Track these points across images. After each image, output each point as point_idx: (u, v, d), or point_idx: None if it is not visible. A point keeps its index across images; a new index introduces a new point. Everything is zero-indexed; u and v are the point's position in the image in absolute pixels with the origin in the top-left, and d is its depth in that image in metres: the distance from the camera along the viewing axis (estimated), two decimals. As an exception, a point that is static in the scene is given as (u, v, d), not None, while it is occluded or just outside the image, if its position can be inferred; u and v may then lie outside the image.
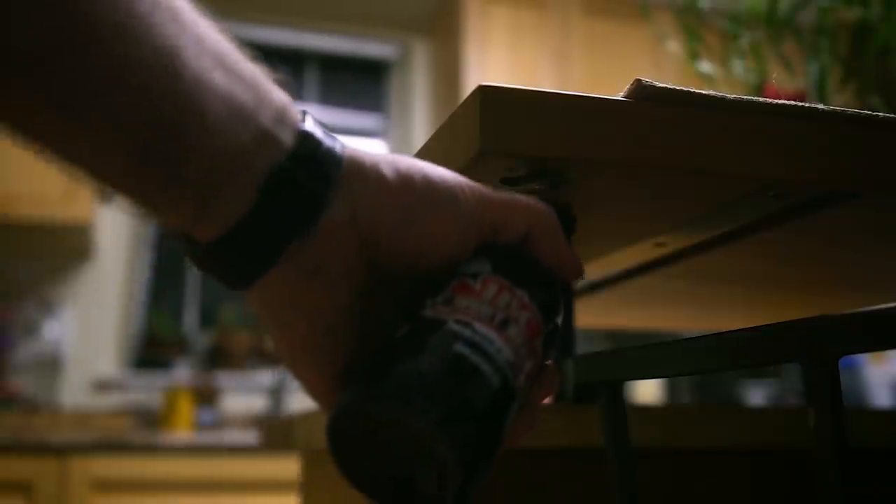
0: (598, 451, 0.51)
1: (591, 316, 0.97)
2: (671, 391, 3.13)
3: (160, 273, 3.11)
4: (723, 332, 0.42)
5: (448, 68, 3.15)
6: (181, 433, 2.59)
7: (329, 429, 0.33)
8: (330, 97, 3.45)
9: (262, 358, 3.04)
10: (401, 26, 3.43)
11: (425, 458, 0.32)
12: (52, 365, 2.85)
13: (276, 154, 0.34)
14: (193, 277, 3.14)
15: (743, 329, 0.41)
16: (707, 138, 0.45)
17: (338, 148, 0.36)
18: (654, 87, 0.44)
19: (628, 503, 0.49)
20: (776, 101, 0.46)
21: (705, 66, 1.16)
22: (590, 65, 3.07)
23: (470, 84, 2.92)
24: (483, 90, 0.42)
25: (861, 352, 0.37)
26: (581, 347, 0.79)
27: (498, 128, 0.42)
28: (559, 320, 0.41)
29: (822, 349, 0.37)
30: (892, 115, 0.47)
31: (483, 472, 0.33)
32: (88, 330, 2.92)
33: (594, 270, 0.73)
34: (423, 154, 0.52)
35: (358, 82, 3.52)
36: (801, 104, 0.46)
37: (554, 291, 0.40)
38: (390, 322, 0.38)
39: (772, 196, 0.49)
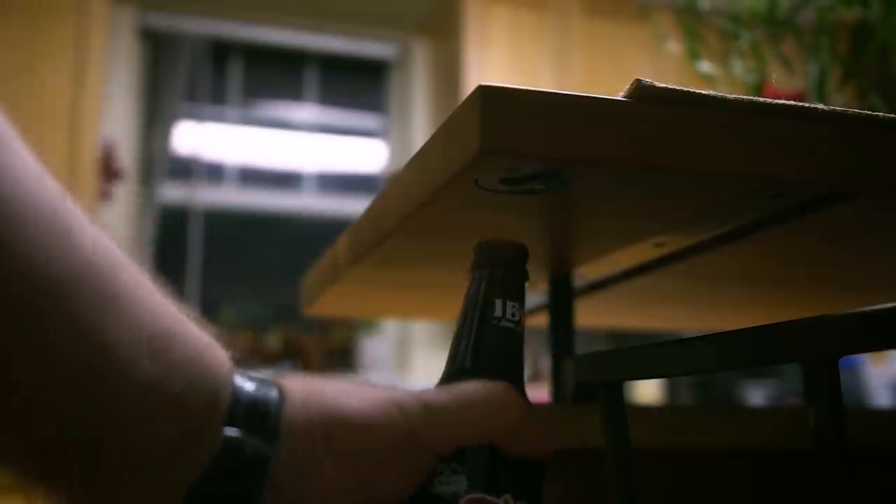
0: (598, 451, 0.51)
1: (591, 316, 0.97)
2: (671, 391, 3.13)
3: (159, 273, 3.10)
4: (723, 332, 0.42)
5: (448, 68, 3.15)
6: (181, 433, 2.58)
7: None
8: (330, 97, 3.44)
9: (262, 358, 3.04)
10: (401, 26, 3.43)
11: None
12: (52, 365, 2.84)
13: (201, 456, 0.32)
14: (193, 278, 3.14)
15: (743, 329, 0.41)
16: (707, 138, 0.45)
17: (262, 443, 0.33)
18: (654, 87, 0.44)
19: (628, 503, 0.49)
20: (776, 101, 0.46)
21: (705, 66, 1.16)
22: (590, 65, 3.07)
23: (470, 84, 2.92)
24: (483, 90, 0.42)
25: (861, 352, 0.37)
26: (581, 347, 0.79)
27: (498, 128, 0.42)
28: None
29: (822, 349, 0.37)
30: (892, 115, 0.47)
31: None
32: (88, 330, 2.91)
33: (594, 270, 0.73)
34: (423, 154, 0.52)
35: (358, 82, 3.52)
36: (801, 104, 0.46)
37: (536, 471, 0.37)
38: None
39: (772, 196, 0.49)
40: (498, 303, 0.39)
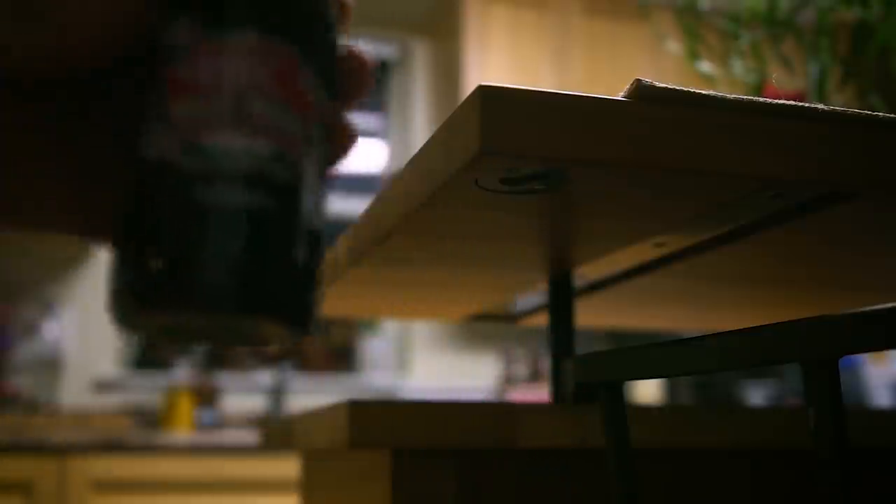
0: (598, 451, 0.51)
1: (591, 316, 0.98)
2: (671, 391, 3.13)
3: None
4: (723, 332, 0.42)
5: (448, 68, 3.15)
6: (181, 433, 2.59)
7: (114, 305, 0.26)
8: (330, 97, 3.44)
9: (262, 358, 3.05)
10: (401, 26, 3.43)
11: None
12: (51, 365, 2.85)
13: None
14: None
15: (743, 329, 0.41)
16: (707, 138, 0.45)
17: None
18: (654, 87, 0.44)
19: (628, 503, 0.49)
20: (776, 101, 0.46)
21: (705, 66, 1.16)
22: (590, 65, 3.07)
23: (470, 84, 2.92)
24: (483, 90, 0.42)
25: (861, 352, 0.37)
26: (581, 347, 0.79)
27: (498, 128, 0.42)
28: (334, 27, 0.30)
29: (822, 349, 0.37)
30: (892, 115, 0.47)
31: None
32: (88, 330, 2.92)
33: (594, 270, 0.73)
34: (423, 154, 0.52)
35: (358, 82, 3.51)
36: (801, 104, 0.46)
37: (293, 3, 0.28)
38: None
39: (772, 196, 0.49)
40: None
